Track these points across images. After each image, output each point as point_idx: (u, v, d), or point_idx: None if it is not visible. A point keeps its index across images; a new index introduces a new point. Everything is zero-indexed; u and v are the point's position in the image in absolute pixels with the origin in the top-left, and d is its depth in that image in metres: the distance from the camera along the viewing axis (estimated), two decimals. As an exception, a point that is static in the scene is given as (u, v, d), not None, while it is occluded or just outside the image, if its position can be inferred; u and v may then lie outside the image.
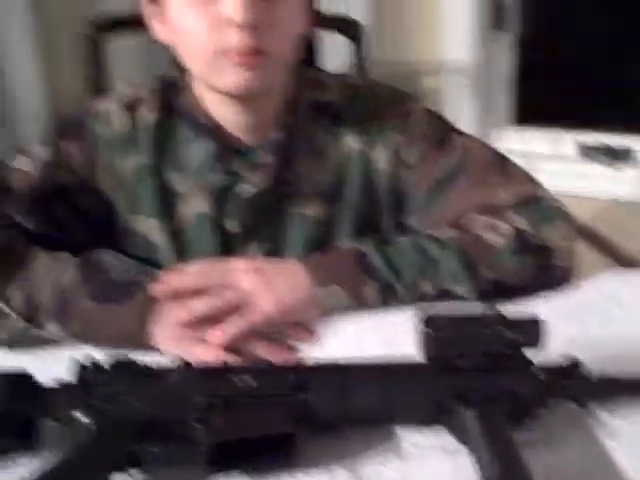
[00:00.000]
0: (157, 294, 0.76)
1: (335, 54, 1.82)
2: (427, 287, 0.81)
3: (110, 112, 0.91)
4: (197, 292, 0.77)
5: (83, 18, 1.58)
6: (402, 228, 0.95)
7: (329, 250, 0.85)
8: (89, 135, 0.90)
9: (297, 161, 0.91)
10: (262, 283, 0.78)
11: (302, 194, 0.92)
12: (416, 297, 0.82)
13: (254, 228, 0.92)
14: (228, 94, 0.85)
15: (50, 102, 2.02)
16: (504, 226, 0.85)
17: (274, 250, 0.93)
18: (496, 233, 0.84)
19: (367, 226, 0.94)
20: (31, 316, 0.77)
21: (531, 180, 0.92)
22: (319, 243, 0.93)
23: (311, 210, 0.92)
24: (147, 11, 0.87)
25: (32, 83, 2.01)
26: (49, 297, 0.77)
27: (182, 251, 0.92)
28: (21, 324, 0.77)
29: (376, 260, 0.81)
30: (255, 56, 0.79)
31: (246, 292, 0.77)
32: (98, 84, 1.55)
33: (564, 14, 2.55)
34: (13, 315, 0.77)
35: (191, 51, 0.83)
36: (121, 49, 1.95)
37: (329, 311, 0.80)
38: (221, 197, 0.91)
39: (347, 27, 1.59)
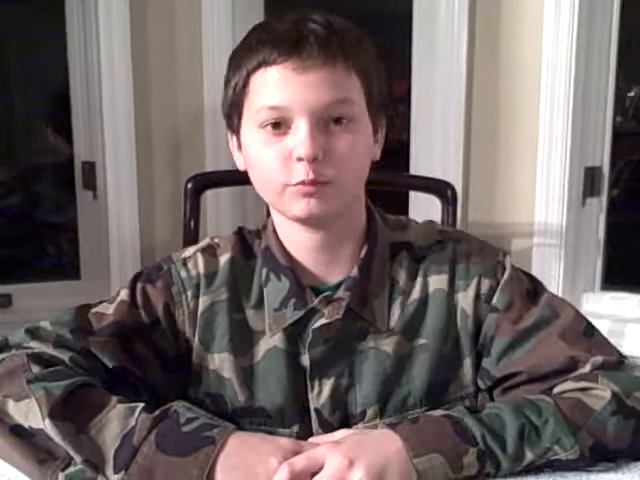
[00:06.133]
0: None
1: (427, 214, 1.84)
2: (530, 454, 0.79)
3: (193, 257, 0.96)
4: None
5: (184, 174, 1.67)
6: (475, 371, 0.94)
7: (419, 417, 0.82)
8: (173, 279, 0.94)
9: (372, 298, 0.92)
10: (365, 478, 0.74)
11: (377, 330, 0.92)
12: (518, 465, 0.79)
13: (326, 362, 0.92)
14: (297, 220, 0.89)
15: (146, 254, 2.10)
16: (599, 387, 0.84)
17: (346, 385, 0.92)
18: (592, 396, 0.83)
19: (443, 366, 0.93)
20: (98, 465, 0.77)
21: (617, 351, 0.91)
22: (392, 378, 0.92)
23: (386, 346, 0.92)
24: (230, 143, 0.95)
25: (131, 234, 2.10)
26: (117, 445, 0.77)
27: (253, 386, 0.93)
28: (86, 473, 0.77)
29: (474, 427, 0.79)
30: (317, 185, 0.84)
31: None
32: (195, 236, 1.60)
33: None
34: (79, 462, 0.77)
35: (263, 183, 0.89)
36: (218, 201, 2.06)
37: None
38: (295, 332, 0.92)
39: (440, 189, 1.61)
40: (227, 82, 0.90)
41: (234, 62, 0.89)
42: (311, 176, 0.83)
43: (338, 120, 0.85)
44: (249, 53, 0.86)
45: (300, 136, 0.83)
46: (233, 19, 2.08)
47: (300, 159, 0.83)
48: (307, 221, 0.89)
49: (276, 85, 0.84)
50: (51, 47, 2.27)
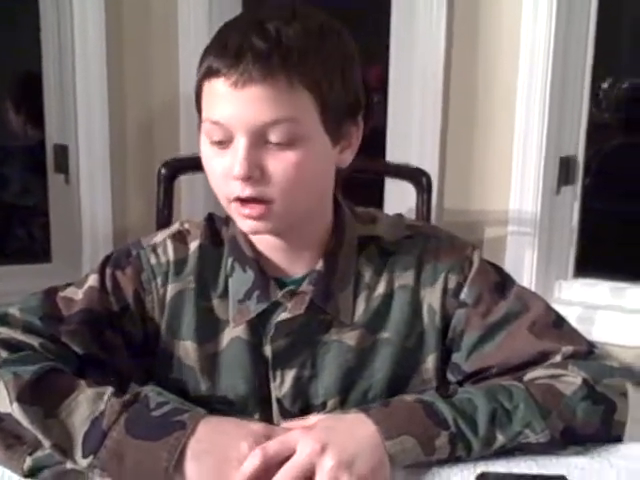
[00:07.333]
0: None
1: (402, 201, 1.84)
2: (501, 437, 0.80)
3: (163, 244, 0.95)
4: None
5: (158, 158, 1.66)
6: (444, 365, 0.95)
7: (390, 401, 0.82)
8: (143, 265, 0.94)
9: (337, 291, 0.92)
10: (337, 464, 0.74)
11: (341, 323, 0.92)
12: (489, 448, 0.80)
13: (288, 353, 0.92)
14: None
15: (118, 238, 2.08)
16: (570, 374, 0.85)
17: (307, 376, 0.93)
18: (562, 382, 0.84)
19: (406, 361, 0.94)
20: (66, 449, 0.76)
21: (587, 341, 0.93)
22: (353, 371, 0.93)
23: (349, 339, 0.92)
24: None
25: (103, 218, 2.08)
26: (86, 429, 0.77)
27: (215, 375, 0.93)
28: (54, 457, 0.76)
29: (445, 410, 0.80)
30: (256, 204, 0.83)
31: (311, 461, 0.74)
32: (168, 222, 1.59)
33: (627, 165, 2.58)
34: (47, 447, 0.76)
35: (215, 191, 0.88)
36: (192, 186, 2.04)
37: (398, 464, 0.77)
38: (259, 324, 0.92)
39: (415, 176, 1.61)
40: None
41: (200, 60, 0.86)
42: (247, 193, 0.82)
43: (280, 137, 0.82)
44: (203, 58, 0.84)
45: (236, 154, 0.82)
46: (210, 1, 2.06)
47: (235, 178, 0.82)
48: (254, 235, 0.89)
49: (218, 99, 0.82)
50: (24, 29, 2.24)
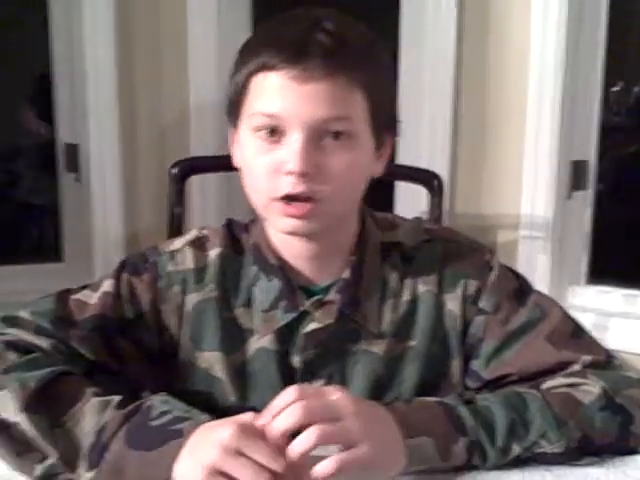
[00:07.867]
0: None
1: (413, 204, 1.83)
2: (517, 448, 0.80)
3: (181, 251, 0.93)
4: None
5: (169, 158, 1.65)
6: (465, 372, 0.94)
7: (412, 401, 0.82)
8: (160, 272, 0.92)
9: (364, 300, 0.91)
10: (365, 430, 0.72)
11: (368, 332, 0.91)
12: (504, 458, 0.80)
13: (317, 364, 0.91)
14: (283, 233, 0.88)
15: (130, 238, 2.07)
16: (589, 383, 0.84)
17: (337, 385, 0.90)
18: (581, 391, 0.84)
19: (434, 367, 0.93)
20: (71, 460, 0.75)
21: (606, 351, 0.92)
22: (383, 380, 0.92)
23: (377, 348, 0.91)
24: (230, 138, 0.91)
25: (114, 218, 2.08)
26: (91, 441, 0.75)
27: (244, 385, 0.91)
28: (59, 468, 0.75)
29: (466, 417, 0.79)
30: (304, 202, 0.82)
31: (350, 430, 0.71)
32: (179, 222, 1.58)
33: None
34: (54, 460, 0.75)
35: (252, 190, 0.86)
36: (203, 187, 2.04)
37: (413, 465, 0.76)
38: (286, 333, 0.90)
39: (427, 179, 1.61)
40: (231, 77, 0.87)
41: (239, 59, 0.86)
42: (299, 189, 0.81)
43: (336, 135, 0.82)
44: (253, 53, 0.83)
45: (293, 149, 0.80)
46: (219, 2, 2.05)
47: (290, 173, 0.81)
48: (293, 235, 0.87)
49: (274, 93, 0.81)
50: (33, 28, 2.24)
